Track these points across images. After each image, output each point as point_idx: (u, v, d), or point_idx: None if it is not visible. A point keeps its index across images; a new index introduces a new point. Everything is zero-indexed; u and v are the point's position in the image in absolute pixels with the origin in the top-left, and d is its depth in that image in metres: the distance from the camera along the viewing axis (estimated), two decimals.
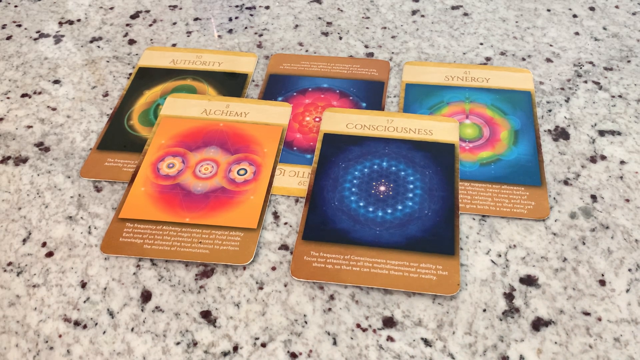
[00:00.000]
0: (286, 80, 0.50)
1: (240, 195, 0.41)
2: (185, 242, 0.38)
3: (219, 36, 0.55)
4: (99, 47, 0.55)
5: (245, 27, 0.56)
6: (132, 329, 0.35)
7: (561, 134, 0.45)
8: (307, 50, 0.53)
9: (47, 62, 0.54)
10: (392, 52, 0.52)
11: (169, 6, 0.59)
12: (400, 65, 0.51)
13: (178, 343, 0.34)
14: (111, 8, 0.59)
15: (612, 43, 0.52)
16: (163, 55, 0.53)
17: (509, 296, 0.36)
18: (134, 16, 0.58)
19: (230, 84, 0.50)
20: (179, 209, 0.40)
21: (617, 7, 0.57)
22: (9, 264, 0.38)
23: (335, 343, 0.34)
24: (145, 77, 0.51)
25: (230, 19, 0.57)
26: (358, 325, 0.35)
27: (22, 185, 0.43)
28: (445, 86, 0.48)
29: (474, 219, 0.40)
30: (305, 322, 0.35)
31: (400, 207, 0.40)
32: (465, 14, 0.56)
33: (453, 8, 0.57)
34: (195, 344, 0.34)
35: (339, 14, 0.57)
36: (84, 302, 0.36)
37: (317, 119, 0.46)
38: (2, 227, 0.41)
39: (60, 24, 0.58)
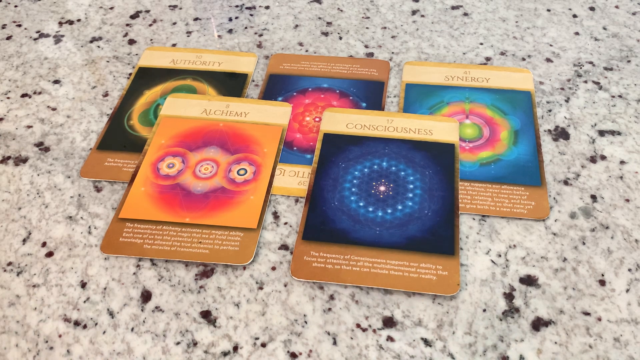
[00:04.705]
0: (286, 80, 0.50)
1: (240, 195, 0.41)
2: (185, 242, 0.38)
3: (219, 36, 0.55)
4: (99, 47, 0.55)
5: (245, 27, 0.56)
6: (132, 329, 0.35)
7: (561, 134, 0.45)
8: (307, 50, 0.53)
9: (47, 62, 0.54)
10: (392, 52, 0.52)
11: (169, 6, 0.59)
12: (400, 65, 0.51)
13: (178, 343, 0.34)
14: (111, 8, 0.59)
15: (612, 43, 0.52)
16: (163, 55, 0.53)
17: (509, 296, 0.36)
18: (134, 16, 0.58)
19: (230, 84, 0.50)
20: (178, 209, 0.40)
21: (617, 7, 0.57)
22: (9, 264, 0.38)
23: (335, 343, 0.34)
24: (145, 77, 0.51)
25: (230, 19, 0.57)
26: (358, 325, 0.35)
27: (22, 185, 0.43)
28: (445, 86, 0.48)
29: (474, 219, 0.40)
30: (305, 322, 0.35)
31: (400, 207, 0.40)
32: (465, 14, 0.56)
33: (453, 8, 0.57)
34: (195, 344, 0.34)
35: (339, 14, 0.57)
36: (84, 302, 0.36)
37: (317, 119, 0.46)
38: (2, 227, 0.41)
39: (60, 24, 0.58)
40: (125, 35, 0.56)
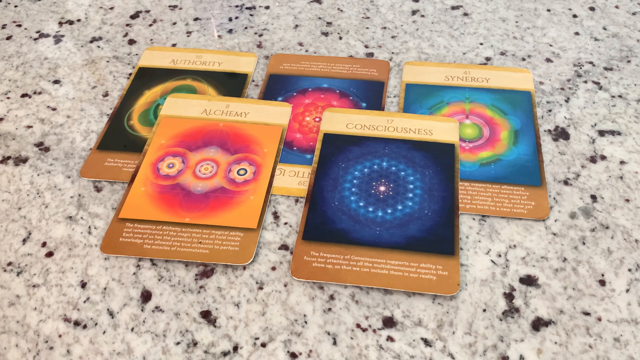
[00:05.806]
0: (286, 80, 0.50)
1: (240, 195, 0.41)
2: (185, 242, 0.38)
3: (219, 36, 0.55)
4: (99, 47, 0.55)
5: (245, 27, 0.56)
6: (132, 329, 0.35)
7: (561, 134, 0.45)
8: (307, 50, 0.53)
9: (47, 62, 0.54)
10: (392, 52, 0.52)
11: (169, 6, 0.59)
12: (400, 65, 0.51)
13: (178, 343, 0.34)
14: (111, 8, 0.59)
15: (612, 43, 0.52)
16: (163, 55, 0.53)
17: (509, 296, 0.36)
18: (134, 16, 0.58)
19: (230, 84, 0.50)
20: (178, 209, 0.40)
21: (617, 7, 0.57)
22: (9, 264, 0.39)
23: (335, 343, 0.34)
24: (145, 77, 0.51)
25: (230, 19, 0.57)
26: (358, 325, 0.35)
27: (22, 185, 0.43)
28: (445, 86, 0.48)
29: (474, 219, 0.40)
30: (305, 322, 0.35)
31: (400, 207, 0.40)
32: (465, 14, 0.56)
33: (453, 8, 0.57)
34: (195, 344, 0.34)
35: (339, 14, 0.57)
36: (84, 302, 0.36)
37: (317, 119, 0.46)
38: (2, 227, 0.41)
39: (60, 24, 0.58)
40: (125, 35, 0.56)
